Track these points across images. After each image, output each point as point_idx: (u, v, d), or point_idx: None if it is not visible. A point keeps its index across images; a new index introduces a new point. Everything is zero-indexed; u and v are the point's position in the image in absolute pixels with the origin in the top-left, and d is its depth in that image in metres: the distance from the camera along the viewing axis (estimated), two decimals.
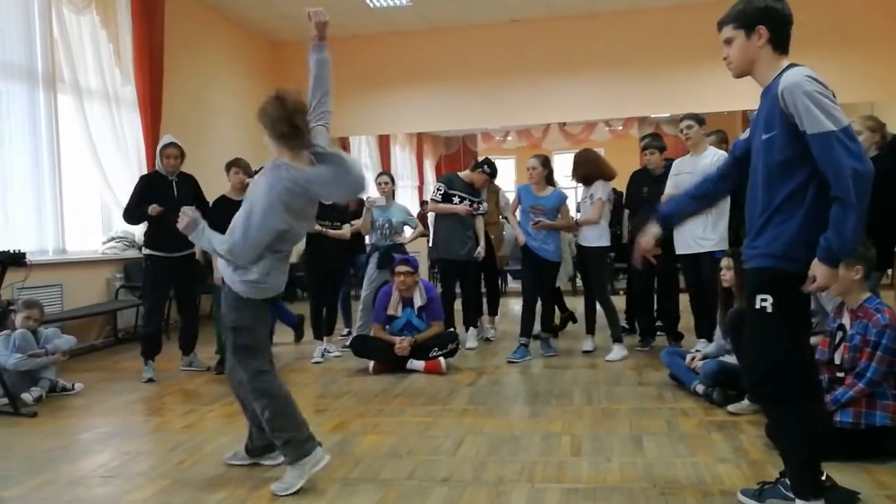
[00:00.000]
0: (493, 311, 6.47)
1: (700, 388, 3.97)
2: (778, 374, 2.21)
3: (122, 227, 6.84)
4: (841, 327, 3.01)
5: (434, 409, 4.00)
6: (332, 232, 5.61)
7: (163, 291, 5.23)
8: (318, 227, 5.50)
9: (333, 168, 2.80)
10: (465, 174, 5.99)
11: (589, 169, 5.43)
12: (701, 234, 4.78)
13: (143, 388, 4.82)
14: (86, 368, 5.49)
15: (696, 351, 4.36)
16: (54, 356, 4.57)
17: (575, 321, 6.62)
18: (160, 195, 5.08)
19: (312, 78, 3.13)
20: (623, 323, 5.86)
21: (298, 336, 6.49)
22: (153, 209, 4.95)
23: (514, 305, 7.92)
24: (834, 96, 2.12)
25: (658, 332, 5.70)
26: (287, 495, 2.74)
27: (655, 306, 5.69)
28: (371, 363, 5.02)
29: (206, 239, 2.84)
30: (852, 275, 2.86)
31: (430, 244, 6.40)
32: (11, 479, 3.06)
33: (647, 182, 5.50)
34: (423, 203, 14.20)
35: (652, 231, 2.63)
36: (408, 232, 6.18)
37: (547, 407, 3.99)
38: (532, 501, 2.65)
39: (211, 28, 8.73)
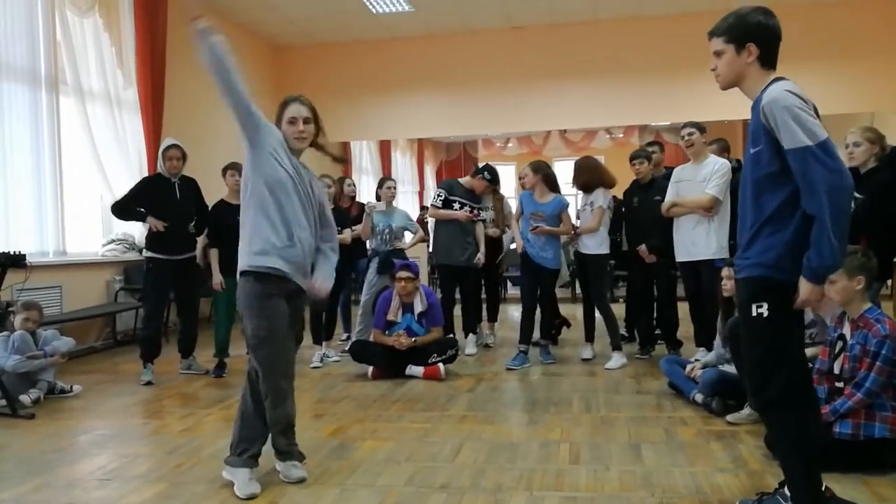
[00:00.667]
0: (492, 318, 6.47)
1: (699, 398, 3.96)
2: (775, 382, 2.21)
3: (122, 229, 6.84)
4: (841, 337, 3.01)
5: (433, 416, 3.99)
6: None
7: (163, 294, 5.23)
8: None
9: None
10: (465, 180, 6.00)
11: (589, 176, 5.44)
12: (702, 242, 4.78)
13: (141, 391, 4.81)
14: (84, 371, 5.48)
15: (696, 360, 4.36)
16: (53, 358, 4.57)
17: (569, 326, 6.62)
18: (162, 197, 5.09)
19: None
20: (622, 331, 5.87)
21: (297, 341, 6.48)
22: (154, 223, 4.97)
23: (514, 312, 7.92)
24: (816, 111, 2.14)
25: (657, 341, 5.70)
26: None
27: (655, 314, 5.70)
28: (370, 368, 5.02)
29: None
30: (854, 285, 2.86)
31: (431, 250, 6.40)
32: (8, 481, 3.05)
33: (636, 192, 5.54)
34: (423, 208, 14.22)
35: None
36: (408, 237, 6.18)
37: (545, 414, 3.99)
38: None
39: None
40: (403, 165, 15.71)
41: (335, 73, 10.13)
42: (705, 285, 4.73)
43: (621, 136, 15.13)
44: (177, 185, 5.14)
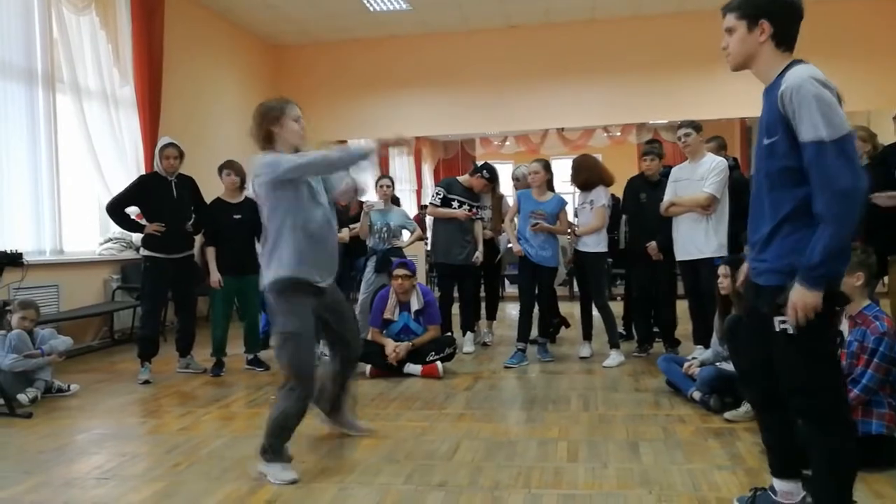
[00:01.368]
0: (490, 316, 6.47)
1: (697, 395, 3.97)
2: (808, 394, 2.09)
3: (119, 227, 6.82)
4: (839, 334, 3.01)
5: (431, 414, 3.99)
6: None
7: (161, 293, 5.22)
8: None
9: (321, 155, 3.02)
10: (464, 179, 6.00)
11: (588, 174, 5.44)
12: (701, 241, 4.79)
13: (139, 390, 4.81)
14: (82, 370, 5.47)
15: (693, 358, 4.36)
16: (50, 357, 4.56)
17: (567, 326, 6.62)
18: (158, 196, 5.08)
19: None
20: (620, 329, 5.87)
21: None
22: (152, 229, 4.97)
23: (511, 310, 7.92)
24: (839, 99, 2.00)
25: (655, 339, 5.71)
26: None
27: (653, 312, 5.70)
28: (368, 367, 5.01)
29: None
30: (853, 281, 2.86)
31: (429, 248, 6.40)
32: (5, 480, 3.04)
33: (644, 188, 5.52)
34: (421, 207, 14.21)
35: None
36: (406, 236, 6.18)
37: (543, 412, 3.99)
38: None
39: (211, 30, 8.73)
40: (401, 164, 15.70)
41: (333, 72, 10.12)
42: (704, 284, 4.73)
43: (619, 134, 15.12)
44: (173, 184, 5.13)
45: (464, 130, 12.40)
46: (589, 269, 5.44)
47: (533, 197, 5.44)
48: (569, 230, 5.59)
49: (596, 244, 5.36)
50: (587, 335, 5.62)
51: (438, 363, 4.94)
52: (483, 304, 6.41)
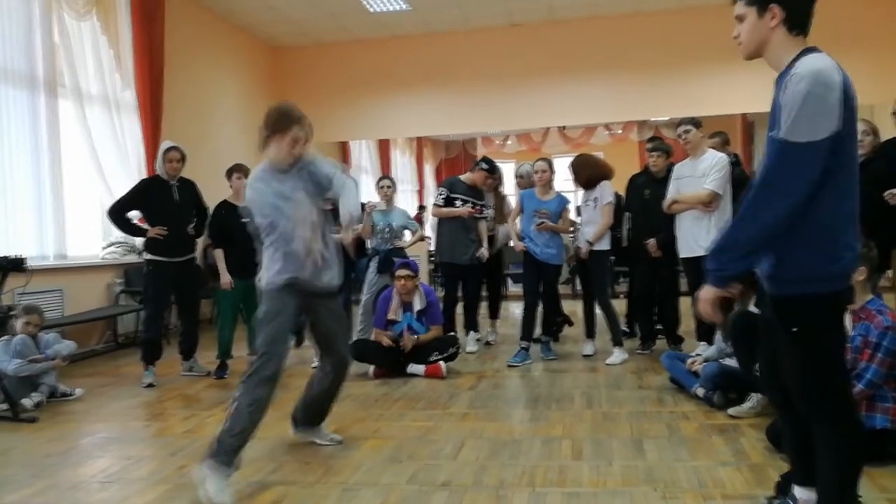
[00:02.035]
0: (493, 315, 6.46)
1: (700, 392, 3.96)
2: (810, 396, 2.08)
3: (122, 231, 6.85)
4: (844, 335, 3.00)
5: (434, 414, 4.00)
6: (332, 236, 5.60)
7: (164, 296, 5.23)
8: None
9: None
10: (466, 177, 6.00)
11: (590, 172, 5.44)
12: (703, 238, 4.78)
13: (143, 394, 4.82)
14: (86, 374, 5.48)
15: (697, 354, 4.36)
16: (54, 361, 4.57)
17: (571, 324, 6.61)
18: (160, 199, 5.09)
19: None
20: (623, 326, 5.86)
21: (299, 341, 6.50)
22: (155, 233, 4.98)
23: (515, 309, 7.92)
24: (846, 91, 1.91)
25: (658, 336, 5.70)
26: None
27: (656, 310, 5.69)
28: (371, 368, 5.02)
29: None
30: (856, 276, 2.85)
31: (435, 248, 6.39)
32: (12, 484, 3.06)
33: (649, 185, 5.49)
34: (421, 207, 14.22)
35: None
36: (408, 236, 6.18)
37: (547, 411, 3.99)
38: None
39: (212, 33, 8.75)
40: (403, 164, 15.71)
41: (334, 73, 10.13)
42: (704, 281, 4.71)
43: (620, 132, 15.13)
44: (175, 188, 5.14)
45: (465, 130, 12.43)
46: (592, 266, 5.43)
47: (536, 196, 5.44)
48: (570, 228, 5.59)
49: (599, 242, 5.35)
50: (590, 333, 5.61)
51: (442, 363, 4.94)
52: (486, 304, 6.41)
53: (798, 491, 2.31)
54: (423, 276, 8.07)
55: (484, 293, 6.39)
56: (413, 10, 8.91)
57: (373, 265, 5.88)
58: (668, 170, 5.33)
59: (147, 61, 7.03)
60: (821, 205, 1.92)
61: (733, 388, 3.81)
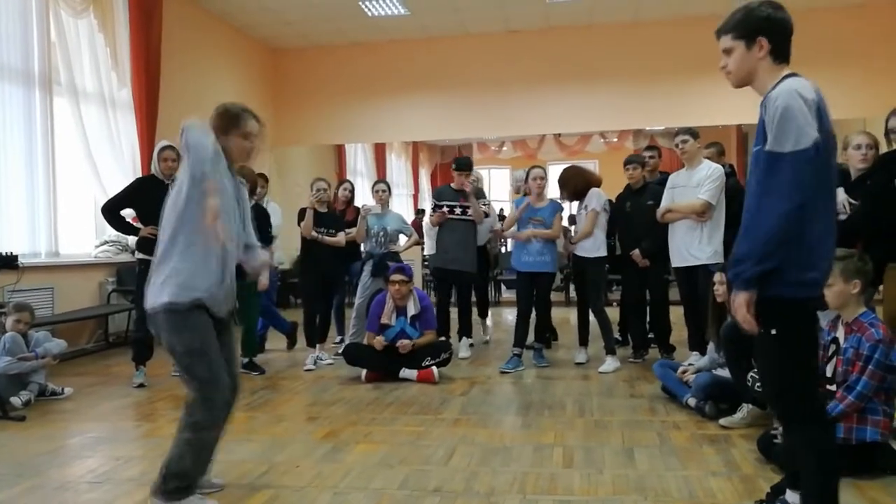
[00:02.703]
0: (482, 314, 6.46)
1: (692, 402, 3.97)
2: (781, 396, 2.18)
3: (115, 230, 6.82)
4: (834, 341, 3.02)
5: (426, 419, 3.99)
6: (327, 239, 5.61)
7: None
8: (313, 234, 5.53)
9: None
10: (456, 182, 6.02)
11: (576, 182, 5.46)
12: (696, 248, 4.80)
13: (133, 393, 4.79)
14: (76, 372, 5.45)
15: (689, 364, 4.37)
16: (44, 360, 4.54)
17: (556, 339, 6.58)
18: (154, 198, 5.04)
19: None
20: (616, 335, 5.87)
21: (291, 343, 6.49)
22: (147, 233, 4.96)
23: (508, 315, 7.92)
24: (821, 110, 2.06)
25: (651, 345, 5.71)
26: None
27: (648, 318, 5.71)
28: (363, 371, 5.01)
29: None
30: (850, 288, 2.87)
31: (430, 253, 6.40)
32: None
33: (629, 197, 5.57)
34: (419, 211, 14.23)
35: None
36: (402, 240, 6.18)
37: (539, 418, 3.99)
38: None
39: (209, 33, 8.74)
40: (398, 168, 15.72)
41: (331, 76, 10.13)
42: (700, 290, 4.74)
43: (616, 140, 15.19)
44: (170, 187, 5.10)
45: (461, 135, 12.44)
46: (586, 274, 5.44)
47: (530, 204, 5.45)
48: (564, 235, 5.61)
49: (594, 250, 5.36)
50: (583, 341, 5.62)
51: (434, 368, 4.93)
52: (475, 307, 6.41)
53: (790, 495, 2.36)
54: (417, 281, 8.06)
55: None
56: (411, 15, 8.93)
57: (367, 269, 5.87)
58: (661, 181, 5.37)
59: (144, 60, 7.02)
60: (811, 210, 2.04)
61: (725, 398, 3.82)
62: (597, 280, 5.48)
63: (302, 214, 5.60)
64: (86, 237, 6.85)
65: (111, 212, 5.13)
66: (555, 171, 6.19)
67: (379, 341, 4.96)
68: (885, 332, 2.88)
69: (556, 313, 6.64)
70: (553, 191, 5.95)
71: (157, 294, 2.69)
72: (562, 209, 5.58)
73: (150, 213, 5.06)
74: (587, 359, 5.52)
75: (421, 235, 7.86)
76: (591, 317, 5.48)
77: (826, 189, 2.09)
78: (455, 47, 9.84)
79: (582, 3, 8.73)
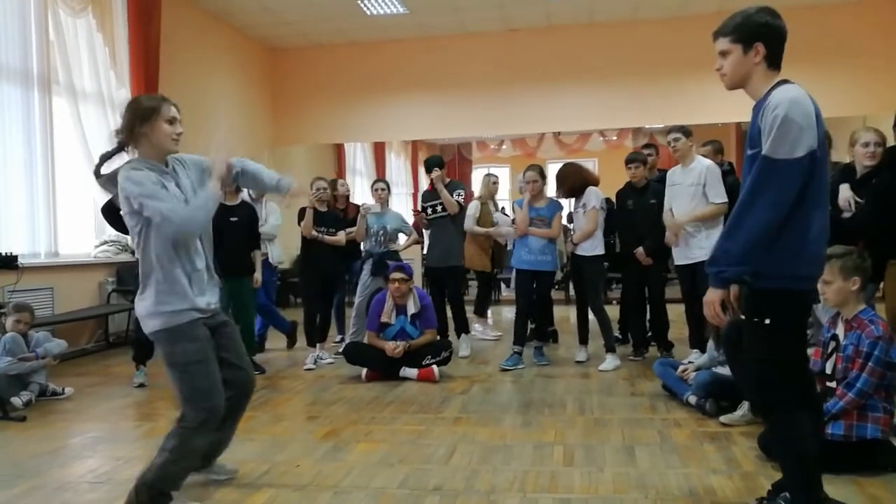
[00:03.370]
0: (477, 311, 6.46)
1: (692, 399, 3.97)
2: (768, 384, 2.25)
3: (114, 230, 6.81)
4: (834, 337, 3.02)
5: (426, 418, 3.99)
6: (327, 238, 5.61)
7: None
8: (314, 234, 5.53)
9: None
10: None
11: (573, 180, 5.44)
12: (697, 245, 4.80)
13: (134, 393, 4.79)
14: (76, 373, 5.45)
15: (689, 362, 4.37)
16: (44, 360, 4.54)
17: (556, 341, 6.58)
18: None
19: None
20: (616, 333, 5.87)
21: (291, 343, 6.48)
22: None
23: (508, 313, 7.92)
24: (818, 115, 2.14)
25: (651, 343, 5.71)
26: None
27: (648, 316, 5.71)
28: (364, 370, 5.01)
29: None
30: (850, 286, 2.87)
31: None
32: None
33: (631, 195, 5.55)
34: (416, 211, 14.21)
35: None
36: (402, 239, 6.18)
37: (539, 416, 3.99)
38: None
39: (208, 33, 8.73)
40: (398, 167, 15.73)
41: (330, 75, 10.13)
42: (701, 287, 4.74)
43: (615, 138, 15.18)
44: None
45: (460, 134, 12.45)
46: (585, 272, 5.44)
47: (529, 204, 5.45)
48: (565, 235, 5.61)
49: (593, 248, 5.36)
50: (583, 339, 5.61)
51: (434, 367, 4.93)
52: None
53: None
54: (417, 280, 8.06)
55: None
56: (410, 14, 8.92)
57: (367, 267, 5.88)
58: (659, 178, 5.37)
59: (142, 60, 7.01)
60: (799, 217, 2.15)
61: (725, 396, 3.82)
62: (595, 278, 5.47)
63: (302, 214, 5.60)
64: (85, 237, 6.84)
65: (111, 211, 5.12)
66: (554, 170, 6.19)
67: (390, 347, 4.94)
68: (885, 329, 2.88)
69: (556, 312, 6.65)
70: (551, 189, 5.94)
71: (149, 321, 2.68)
72: (561, 208, 5.57)
73: None
74: (587, 357, 5.52)
75: (420, 235, 7.87)
76: (591, 315, 5.48)
77: (822, 193, 2.20)
78: (454, 46, 9.83)
79: (581, 1, 8.72)
